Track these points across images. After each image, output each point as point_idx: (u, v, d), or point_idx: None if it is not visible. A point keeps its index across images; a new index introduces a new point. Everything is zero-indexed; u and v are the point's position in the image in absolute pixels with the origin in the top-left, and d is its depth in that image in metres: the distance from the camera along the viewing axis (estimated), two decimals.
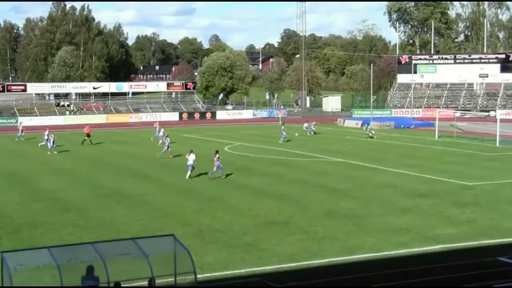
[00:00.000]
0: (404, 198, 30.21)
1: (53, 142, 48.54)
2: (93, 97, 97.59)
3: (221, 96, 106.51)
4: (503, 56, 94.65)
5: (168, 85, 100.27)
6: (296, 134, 60.84)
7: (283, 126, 57.35)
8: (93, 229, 24.21)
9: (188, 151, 36.57)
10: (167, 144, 45.23)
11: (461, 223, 25.26)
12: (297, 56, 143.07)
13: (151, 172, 38.92)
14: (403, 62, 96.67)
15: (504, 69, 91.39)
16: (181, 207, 28.45)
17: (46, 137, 50.97)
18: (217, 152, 36.15)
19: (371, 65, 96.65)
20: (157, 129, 56.61)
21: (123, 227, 24.44)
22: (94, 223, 25.39)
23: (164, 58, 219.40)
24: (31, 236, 23.26)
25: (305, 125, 62.84)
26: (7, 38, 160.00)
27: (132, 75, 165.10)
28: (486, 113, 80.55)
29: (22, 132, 60.08)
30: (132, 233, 22.55)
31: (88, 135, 54.43)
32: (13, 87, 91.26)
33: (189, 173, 35.69)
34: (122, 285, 14.19)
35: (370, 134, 58.76)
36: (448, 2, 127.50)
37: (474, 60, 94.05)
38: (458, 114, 73.07)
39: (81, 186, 34.08)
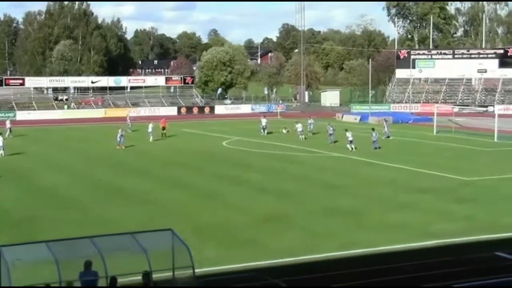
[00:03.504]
0: (402, 193, 30.22)
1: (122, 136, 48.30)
2: (91, 91, 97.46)
3: (219, 90, 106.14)
4: (501, 51, 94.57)
5: (167, 80, 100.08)
6: (285, 131, 58.54)
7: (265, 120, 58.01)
8: (92, 225, 24.18)
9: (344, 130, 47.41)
10: (331, 132, 49.40)
11: (459, 218, 25.28)
12: (296, 50, 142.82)
13: (151, 168, 38.91)
14: (401, 57, 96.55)
15: (502, 64, 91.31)
16: (180, 202, 28.46)
17: (150, 130, 52.36)
18: (373, 129, 47.71)
19: (370, 60, 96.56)
20: (299, 129, 53.62)
21: (122, 223, 24.40)
22: (93, 219, 25.39)
23: (163, 52, 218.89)
24: (30, 232, 23.22)
25: (298, 127, 55.07)
26: (6, 31, 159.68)
27: (131, 70, 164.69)
28: (485, 108, 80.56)
29: (130, 123, 60.47)
30: (131, 228, 22.46)
31: (164, 128, 55.17)
32: (11, 81, 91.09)
33: (350, 146, 45.33)
34: (121, 279, 14.19)
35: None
36: (448, 2, 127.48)
37: (472, 55, 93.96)
38: (456, 109, 73.04)
39: (81, 182, 34.07)
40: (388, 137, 53.46)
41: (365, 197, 29.50)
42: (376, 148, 46.16)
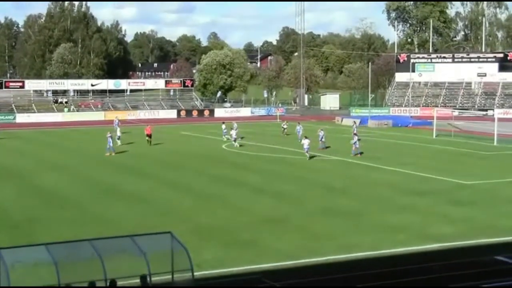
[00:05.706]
0: (401, 196, 30.23)
1: (111, 141, 45.87)
2: (91, 94, 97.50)
3: (219, 93, 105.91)
4: (501, 55, 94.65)
5: (166, 83, 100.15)
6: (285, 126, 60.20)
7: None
8: (90, 225, 24.22)
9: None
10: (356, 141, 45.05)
11: (458, 221, 25.28)
12: (296, 54, 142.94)
13: (149, 169, 38.93)
14: (401, 60, 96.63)
15: (502, 68, 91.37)
16: (179, 204, 28.49)
17: (119, 134, 50.94)
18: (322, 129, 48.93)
19: (370, 63, 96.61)
20: (233, 135, 52.01)
21: (121, 224, 24.42)
22: (92, 219, 25.41)
23: (163, 55, 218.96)
24: (29, 232, 23.26)
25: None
26: (6, 34, 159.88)
27: (130, 72, 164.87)
28: (484, 112, 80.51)
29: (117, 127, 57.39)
30: (130, 229, 22.51)
31: (149, 136, 51.65)
32: (11, 84, 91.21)
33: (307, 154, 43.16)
34: (120, 282, 14.18)
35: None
36: (448, 2, 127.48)
37: (472, 59, 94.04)
38: (456, 113, 73.02)
39: (80, 182, 34.08)
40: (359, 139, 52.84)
41: (363, 199, 29.51)
42: (323, 148, 47.04)
